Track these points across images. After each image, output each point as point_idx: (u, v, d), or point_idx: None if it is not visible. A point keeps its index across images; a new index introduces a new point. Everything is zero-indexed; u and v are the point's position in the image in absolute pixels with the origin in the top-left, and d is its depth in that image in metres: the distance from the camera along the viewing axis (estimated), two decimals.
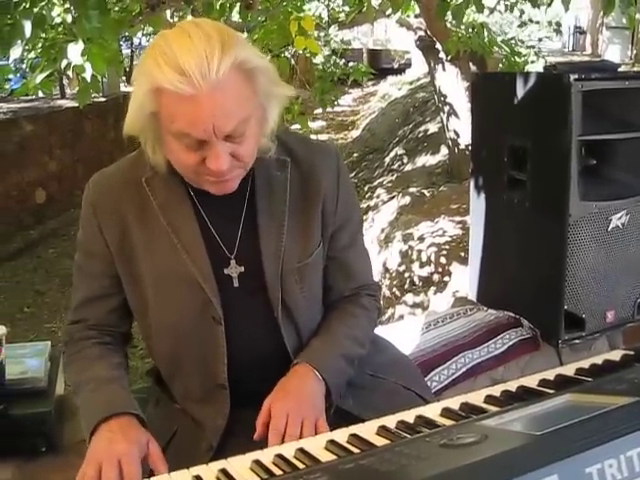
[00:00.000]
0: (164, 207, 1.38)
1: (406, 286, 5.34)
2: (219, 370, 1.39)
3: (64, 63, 3.27)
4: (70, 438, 2.12)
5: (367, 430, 1.10)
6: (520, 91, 2.58)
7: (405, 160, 9.06)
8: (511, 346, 2.65)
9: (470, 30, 6.23)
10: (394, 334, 2.46)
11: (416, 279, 5.28)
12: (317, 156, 1.48)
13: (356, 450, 1.04)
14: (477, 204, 2.94)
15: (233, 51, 1.18)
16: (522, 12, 7.75)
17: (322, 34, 7.28)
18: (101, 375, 1.36)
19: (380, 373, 1.56)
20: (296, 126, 5.53)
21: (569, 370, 1.24)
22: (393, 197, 7.50)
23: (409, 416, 1.13)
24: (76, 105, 6.14)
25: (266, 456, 1.05)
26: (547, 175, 2.55)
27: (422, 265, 5.27)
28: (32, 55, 4.09)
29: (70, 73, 3.50)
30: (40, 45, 3.78)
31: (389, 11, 5.68)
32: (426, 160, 8.42)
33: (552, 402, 1.01)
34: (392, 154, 9.67)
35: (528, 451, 0.81)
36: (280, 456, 1.04)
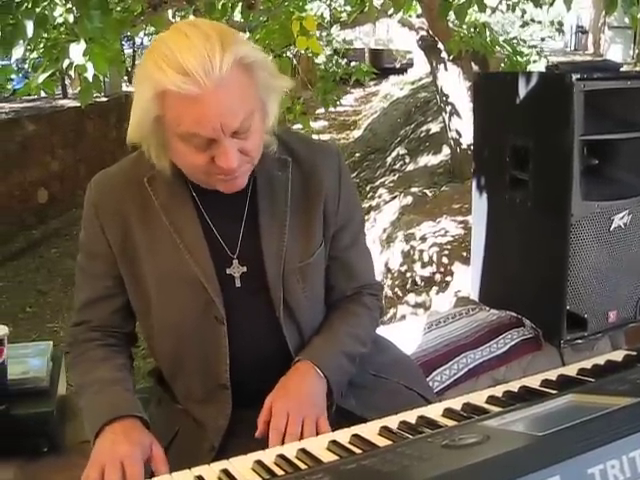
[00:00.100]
0: (166, 207, 1.38)
1: (408, 286, 5.34)
2: (221, 370, 1.39)
3: (66, 63, 3.28)
4: (72, 438, 2.12)
5: (369, 430, 1.10)
6: (522, 91, 2.58)
7: (407, 160, 9.05)
8: (513, 346, 2.64)
9: (472, 30, 6.22)
10: (396, 334, 2.46)
11: (418, 279, 5.27)
12: (318, 156, 1.48)
13: (358, 450, 1.04)
14: (479, 204, 2.94)
15: (233, 48, 1.19)
16: (524, 12, 7.74)
17: (324, 34, 7.28)
18: (105, 377, 1.36)
19: (382, 373, 1.56)
20: (298, 126, 5.54)
21: (571, 370, 1.24)
22: (395, 197, 7.49)
23: (411, 416, 1.13)
24: (78, 105, 6.15)
25: (268, 456, 1.05)
26: (549, 175, 2.55)
27: (424, 265, 5.26)
28: (34, 55, 4.10)
29: (72, 73, 3.50)
30: (42, 45, 3.79)
31: (391, 11, 5.67)
32: (428, 160, 8.41)
33: (554, 403, 1.01)
34: (394, 154, 9.66)
35: (530, 452, 0.81)
36: (282, 456, 1.04)
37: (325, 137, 11.96)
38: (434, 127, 9.10)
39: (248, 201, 1.41)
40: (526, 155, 2.60)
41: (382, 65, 14.15)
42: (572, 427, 0.85)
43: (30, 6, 3.09)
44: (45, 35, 3.62)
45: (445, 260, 5.08)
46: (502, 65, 6.69)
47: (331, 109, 7.24)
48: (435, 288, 5.01)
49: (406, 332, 2.81)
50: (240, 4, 4.74)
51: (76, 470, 1.20)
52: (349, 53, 9.67)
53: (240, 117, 1.21)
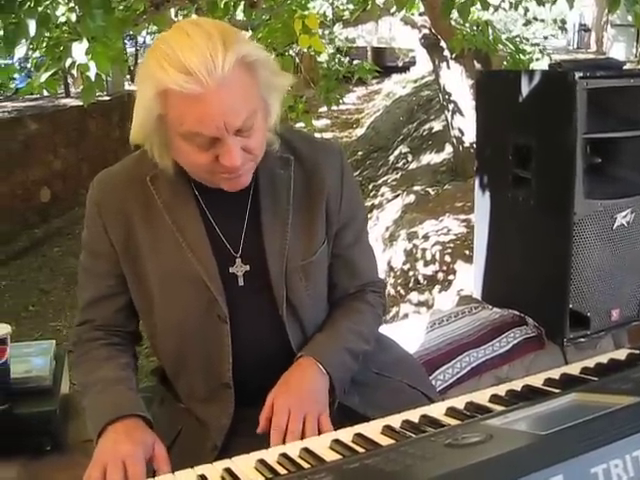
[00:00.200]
0: (169, 206, 1.38)
1: (411, 284, 5.34)
2: (224, 369, 1.39)
3: (68, 62, 3.28)
4: (75, 437, 2.12)
5: (372, 429, 1.10)
6: (525, 89, 2.58)
7: (410, 158, 9.04)
8: (516, 345, 2.64)
9: (475, 28, 6.22)
10: (399, 333, 2.46)
11: (421, 277, 5.27)
12: (321, 154, 1.48)
13: (361, 450, 1.03)
14: (482, 202, 2.94)
15: (235, 46, 1.19)
16: (527, 10, 7.73)
17: (326, 32, 7.27)
18: (108, 376, 1.37)
19: (385, 371, 1.56)
20: (300, 124, 5.53)
21: (574, 369, 1.24)
22: (398, 195, 7.49)
23: (414, 415, 1.13)
24: (81, 104, 6.12)
25: (271, 455, 1.05)
26: (552, 173, 2.55)
27: (427, 263, 5.26)
28: (37, 54, 4.11)
29: (74, 72, 3.51)
30: (44, 44, 3.80)
31: (393, 9, 5.68)
32: (431, 158, 8.41)
33: (557, 402, 1.01)
34: (396, 152, 9.66)
35: (533, 451, 0.81)
36: (285, 455, 1.04)
37: (328, 135, 11.94)
38: (437, 125, 9.10)
39: (250, 199, 1.41)
40: (529, 153, 2.60)
41: (385, 63, 14.11)
42: (575, 426, 0.85)
43: (32, 5, 3.10)
44: (47, 34, 3.63)
45: (448, 258, 5.07)
46: (505, 63, 6.69)
47: (334, 107, 7.22)
48: (438, 286, 5.01)
49: (409, 331, 2.81)
50: (242, 3, 4.74)
51: (79, 469, 1.20)
52: (352, 51, 9.66)
53: (243, 116, 1.21)
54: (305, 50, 4.88)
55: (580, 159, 2.41)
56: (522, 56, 6.62)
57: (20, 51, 3.09)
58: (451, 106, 6.84)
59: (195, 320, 1.39)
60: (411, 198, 7.02)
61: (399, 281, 5.48)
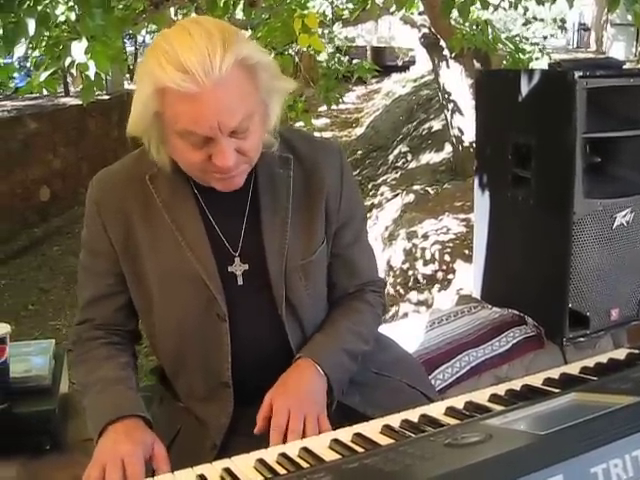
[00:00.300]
0: (168, 205, 1.38)
1: (410, 284, 5.34)
2: (223, 368, 1.39)
3: (68, 61, 3.28)
4: (74, 436, 2.12)
5: (371, 429, 1.10)
6: (524, 88, 2.58)
7: (409, 158, 9.05)
8: (515, 344, 2.64)
9: (474, 27, 6.22)
10: (398, 332, 2.46)
11: (420, 277, 5.27)
12: (320, 153, 1.48)
13: (360, 449, 1.03)
14: (481, 202, 2.94)
15: (235, 48, 1.19)
16: (526, 9, 7.72)
17: (326, 31, 7.27)
18: (108, 376, 1.37)
19: (384, 371, 1.56)
20: (300, 123, 5.53)
21: (574, 369, 1.24)
22: (397, 195, 7.49)
23: (413, 415, 1.13)
24: (80, 103, 6.13)
25: (270, 455, 1.05)
26: (551, 173, 2.55)
27: (426, 263, 5.26)
28: (36, 53, 4.10)
29: (74, 71, 3.50)
30: (44, 43, 3.79)
31: (393, 8, 5.67)
32: (430, 158, 8.41)
33: (557, 401, 1.01)
34: (396, 152, 9.66)
35: (533, 451, 0.81)
36: (284, 455, 1.04)
37: (327, 135, 11.94)
38: (436, 125, 9.10)
39: (250, 198, 1.41)
40: (528, 153, 2.60)
41: (384, 63, 14.11)
42: (575, 426, 0.85)
43: (32, 4, 3.09)
44: (47, 33, 3.62)
45: (447, 258, 5.07)
46: (504, 63, 6.68)
47: (333, 107, 7.21)
48: (437, 286, 5.01)
49: (408, 330, 2.81)
50: (242, 1, 4.74)
51: (78, 468, 1.20)
52: (351, 51, 9.66)
53: (238, 117, 1.21)
54: (305, 49, 4.88)
55: (580, 158, 2.41)
56: (522, 55, 6.61)
57: (19, 50, 3.09)
58: (451, 105, 6.85)
59: (194, 319, 1.39)
60: (410, 197, 7.01)
61: (398, 280, 5.48)
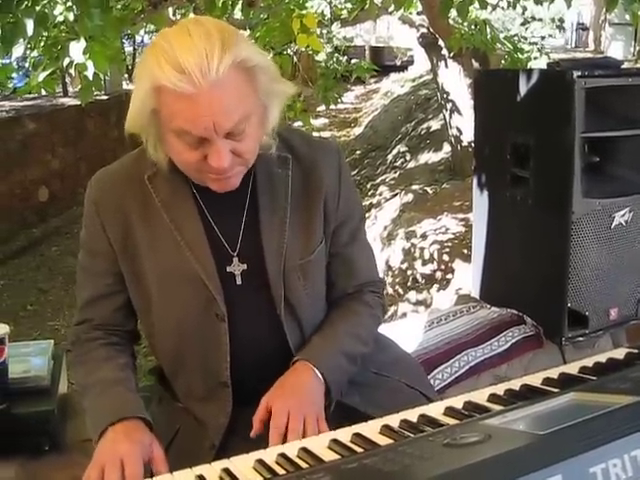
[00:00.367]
0: (167, 204, 1.38)
1: (409, 284, 5.33)
2: (222, 368, 1.39)
3: (66, 61, 3.28)
4: (73, 437, 2.11)
5: (370, 429, 1.10)
6: (523, 88, 2.58)
7: (408, 157, 9.05)
8: (514, 344, 2.64)
9: (473, 27, 6.22)
10: (397, 332, 2.46)
11: (419, 277, 5.27)
12: (319, 153, 1.48)
13: (359, 449, 1.03)
14: (480, 201, 2.94)
15: (233, 49, 1.19)
16: (524, 9, 7.72)
17: (324, 31, 7.27)
18: (108, 377, 1.37)
19: (384, 371, 1.56)
20: (298, 123, 5.53)
21: (573, 368, 1.24)
22: (396, 194, 7.49)
23: (412, 415, 1.13)
24: (79, 103, 6.13)
25: (269, 455, 1.05)
26: (550, 172, 2.55)
27: (425, 263, 5.26)
28: (34, 53, 4.09)
29: (72, 71, 3.50)
30: (42, 43, 3.79)
31: (391, 8, 5.66)
32: (429, 157, 8.41)
33: (556, 401, 1.01)
34: (395, 151, 9.66)
35: (532, 451, 0.81)
36: (283, 455, 1.04)
37: (326, 134, 11.95)
38: (435, 124, 9.10)
39: (248, 198, 1.41)
40: (527, 152, 2.60)
41: (383, 62, 14.10)
42: (574, 426, 0.85)
43: (30, 4, 3.09)
44: (45, 33, 3.62)
45: (446, 258, 5.07)
46: (503, 62, 6.68)
47: (332, 106, 7.21)
48: (436, 286, 5.01)
49: (407, 330, 2.81)
50: (240, 2, 4.73)
51: (77, 468, 1.20)
52: (350, 50, 9.65)
53: (234, 119, 1.21)
54: (303, 49, 4.87)
55: (578, 158, 2.41)
56: (520, 55, 6.62)
57: (18, 50, 3.08)
58: (449, 105, 6.85)
59: (193, 319, 1.39)
60: (409, 197, 7.01)
61: (397, 280, 5.48)
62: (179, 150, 1.26)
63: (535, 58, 7.08)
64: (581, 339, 2.60)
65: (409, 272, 5.40)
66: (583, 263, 2.51)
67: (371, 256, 1.61)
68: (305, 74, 5.95)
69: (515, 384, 1.21)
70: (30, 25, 2.99)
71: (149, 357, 1.93)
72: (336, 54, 7.86)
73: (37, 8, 3.14)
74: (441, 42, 6.41)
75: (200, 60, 1.15)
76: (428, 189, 7.04)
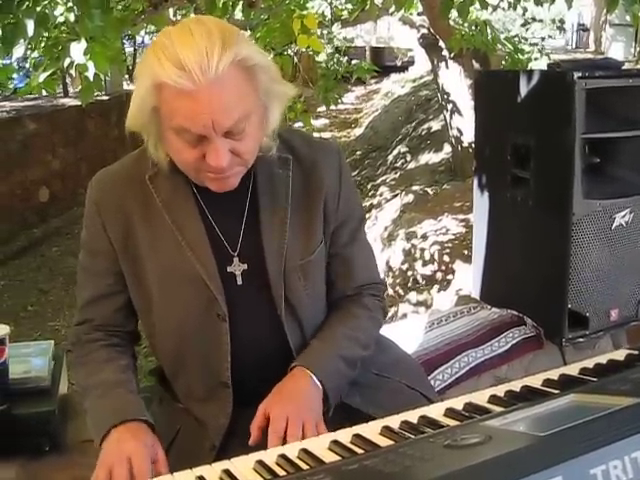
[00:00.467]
0: (168, 205, 1.38)
1: (409, 284, 5.33)
2: (222, 368, 1.39)
3: (67, 62, 3.28)
4: (74, 437, 2.11)
5: (371, 430, 1.10)
6: (523, 89, 2.58)
7: (408, 158, 9.05)
8: (515, 345, 2.64)
9: (473, 28, 6.22)
10: (397, 333, 2.46)
11: (419, 277, 5.27)
12: (319, 154, 1.48)
13: (360, 451, 1.03)
14: (480, 202, 2.94)
15: (234, 48, 1.19)
16: (525, 10, 7.73)
17: (325, 32, 7.27)
18: (109, 379, 1.37)
19: (384, 372, 1.56)
20: (299, 124, 5.53)
21: (573, 370, 1.24)
22: (396, 195, 7.49)
23: (413, 416, 1.12)
24: (79, 104, 6.12)
25: (269, 456, 1.05)
26: (550, 173, 2.55)
27: (425, 263, 5.26)
28: (35, 54, 4.10)
29: (73, 72, 3.50)
30: (43, 44, 3.79)
31: (392, 9, 5.67)
32: (429, 158, 8.41)
33: (556, 402, 1.01)
34: (395, 152, 9.66)
35: (532, 452, 0.81)
36: (283, 456, 1.04)
37: (326, 135, 11.95)
38: (435, 125, 9.10)
39: (249, 198, 1.41)
40: (527, 153, 2.60)
41: (383, 63, 14.11)
42: (574, 427, 0.85)
43: (31, 5, 3.09)
44: (46, 34, 3.63)
45: (446, 258, 5.07)
46: (503, 63, 6.69)
47: (332, 107, 7.21)
48: (436, 286, 5.01)
49: (407, 331, 2.81)
50: (241, 2, 4.73)
51: (78, 469, 1.21)
52: (350, 51, 9.67)
53: (234, 117, 1.21)
54: (304, 50, 4.87)
55: (579, 159, 2.41)
56: (521, 56, 6.62)
57: (18, 51, 3.09)
58: (450, 106, 6.85)
59: (194, 319, 1.39)
60: (410, 198, 7.01)
61: (398, 281, 5.48)
62: (178, 148, 1.26)
63: (535, 59, 7.09)
64: (581, 340, 2.60)
65: (409, 273, 5.40)
66: (583, 264, 2.51)
67: (371, 257, 1.61)
68: (306, 75, 5.94)
69: (515, 385, 1.21)
70: (31, 26, 2.99)
71: (149, 358, 1.93)
72: (337, 55, 7.87)
73: (38, 9, 3.14)
74: (442, 43, 6.41)
75: (200, 58, 1.16)
76: (428, 190, 7.04)
